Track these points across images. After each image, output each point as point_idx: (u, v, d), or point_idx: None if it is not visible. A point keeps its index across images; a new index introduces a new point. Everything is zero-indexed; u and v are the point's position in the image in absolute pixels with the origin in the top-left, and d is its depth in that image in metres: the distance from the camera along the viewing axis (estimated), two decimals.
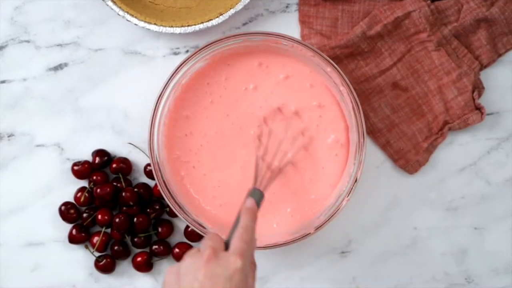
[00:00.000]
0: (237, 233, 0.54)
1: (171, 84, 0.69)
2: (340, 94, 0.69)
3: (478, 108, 0.76)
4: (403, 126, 0.77)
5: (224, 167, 0.72)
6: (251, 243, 0.54)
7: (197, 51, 0.68)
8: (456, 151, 0.77)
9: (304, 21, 0.77)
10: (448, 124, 0.76)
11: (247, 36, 0.68)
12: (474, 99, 0.75)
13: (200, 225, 0.69)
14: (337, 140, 0.71)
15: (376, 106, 0.77)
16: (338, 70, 0.67)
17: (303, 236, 0.68)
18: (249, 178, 0.66)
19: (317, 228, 0.68)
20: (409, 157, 0.76)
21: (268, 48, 0.70)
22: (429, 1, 0.74)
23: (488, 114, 0.77)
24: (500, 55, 0.77)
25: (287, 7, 0.77)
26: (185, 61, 0.68)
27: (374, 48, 0.76)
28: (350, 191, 0.68)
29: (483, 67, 0.77)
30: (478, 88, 0.76)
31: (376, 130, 0.77)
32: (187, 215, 0.69)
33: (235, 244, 0.53)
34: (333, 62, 0.67)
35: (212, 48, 0.68)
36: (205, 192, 0.72)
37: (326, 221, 0.68)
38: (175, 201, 0.69)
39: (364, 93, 0.76)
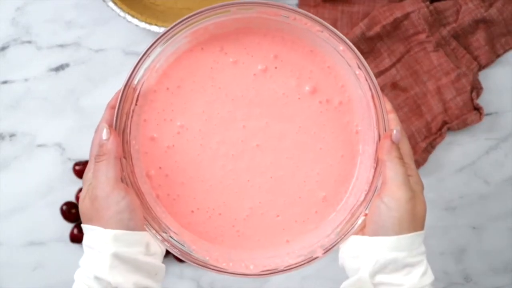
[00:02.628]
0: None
1: (142, 68, 0.53)
2: (356, 79, 0.54)
3: (477, 109, 0.76)
4: (402, 126, 0.77)
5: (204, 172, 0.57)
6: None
7: (176, 24, 0.52)
8: (455, 151, 0.78)
9: None
10: (446, 124, 0.76)
11: (238, 6, 0.52)
12: (472, 100, 0.76)
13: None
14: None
15: None
16: (352, 49, 0.52)
17: (310, 260, 0.53)
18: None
19: (327, 251, 0.53)
20: None
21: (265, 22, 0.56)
22: (428, 2, 0.74)
23: (486, 115, 0.77)
24: (498, 56, 0.77)
25: None
26: (160, 38, 0.52)
27: (373, 49, 0.76)
28: (369, 204, 0.52)
29: (481, 67, 0.77)
30: (476, 88, 0.76)
31: None
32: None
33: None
34: (347, 39, 0.52)
35: (193, 21, 0.53)
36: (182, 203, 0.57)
37: (337, 241, 0.53)
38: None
39: None
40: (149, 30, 0.73)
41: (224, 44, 0.56)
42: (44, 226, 0.77)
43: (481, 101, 0.77)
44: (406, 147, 0.52)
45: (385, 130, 0.52)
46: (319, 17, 0.77)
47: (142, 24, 0.73)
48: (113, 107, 0.53)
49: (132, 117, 0.55)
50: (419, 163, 0.77)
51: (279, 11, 0.53)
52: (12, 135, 0.78)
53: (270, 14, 0.53)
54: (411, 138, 0.77)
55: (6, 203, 0.77)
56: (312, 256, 0.53)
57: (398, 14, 0.74)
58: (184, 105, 0.56)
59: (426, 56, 0.76)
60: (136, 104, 0.55)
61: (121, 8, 0.73)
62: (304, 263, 0.53)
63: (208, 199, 0.56)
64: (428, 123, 0.77)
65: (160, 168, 0.56)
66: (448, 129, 0.76)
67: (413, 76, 0.77)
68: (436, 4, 0.75)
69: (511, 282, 0.78)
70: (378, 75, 0.77)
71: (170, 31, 0.52)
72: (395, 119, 0.53)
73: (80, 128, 0.77)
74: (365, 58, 0.75)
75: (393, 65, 0.77)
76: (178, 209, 0.56)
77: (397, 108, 0.77)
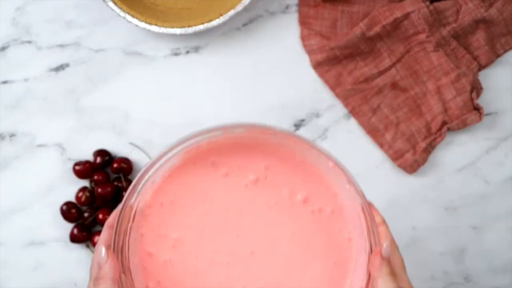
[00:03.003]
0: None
1: (138, 189, 0.54)
2: (346, 191, 0.55)
3: (477, 109, 0.76)
4: (402, 126, 0.77)
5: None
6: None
7: (168, 150, 0.53)
8: (455, 151, 0.78)
9: (303, 22, 0.77)
10: (446, 124, 0.76)
11: (227, 129, 0.54)
12: (472, 100, 0.76)
13: None
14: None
15: (375, 106, 0.77)
16: (341, 167, 0.53)
17: None
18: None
19: None
20: (408, 157, 0.77)
21: (256, 142, 0.57)
22: (428, 2, 0.74)
23: (486, 114, 0.77)
24: (498, 56, 0.77)
25: (287, 8, 0.78)
26: (154, 162, 0.53)
27: (373, 49, 0.76)
28: None
29: (481, 67, 0.77)
30: (476, 88, 0.76)
31: (375, 130, 0.77)
32: None
33: None
34: (335, 158, 0.53)
35: (186, 143, 0.54)
36: None
37: None
38: None
39: (363, 93, 0.77)
40: (149, 30, 0.73)
41: (216, 158, 0.57)
42: (44, 226, 0.77)
43: (481, 101, 0.77)
44: (397, 259, 0.52)
45: (376, 244, 0.52)
46: (319, 17, 0.78)
47: (142, 24, 0.73)
48: (111, 227, 0.53)
49: (130, 234, 0.55)
50: (419, 163, 0.77)
51: (266, 131, 0.53)
52: (12, 135, 0.78)
53: (259, 134, 0.55)
54: (411, 138, 0.77)
55: (6, 203, 0.77)
56: None
57: (398, 14, 0.74)
58: (178, 219, 0.57)
59: (426, 56, 0.76)
60: (133, 221, 0.55)
61: (121, 8, 0.73)
62: None
63: None
64: (428, 123, 0.77)
65: (159, 282, 0.56)
66: (448, 129, 0.76)
67: (413, 76, 0.77)
68: (436, 4, 0.75)
69: (511, 282, 0.78)
70: (378, 75, 0.77)
71: (164, 153, 0.53)
72: (385, 232, 0.53)
73: (80, 128, 0.77)
74: (365, 58, 0.76)
75: (393, 65, 0.77)
76: None
77: (397, 108, 0.77)
